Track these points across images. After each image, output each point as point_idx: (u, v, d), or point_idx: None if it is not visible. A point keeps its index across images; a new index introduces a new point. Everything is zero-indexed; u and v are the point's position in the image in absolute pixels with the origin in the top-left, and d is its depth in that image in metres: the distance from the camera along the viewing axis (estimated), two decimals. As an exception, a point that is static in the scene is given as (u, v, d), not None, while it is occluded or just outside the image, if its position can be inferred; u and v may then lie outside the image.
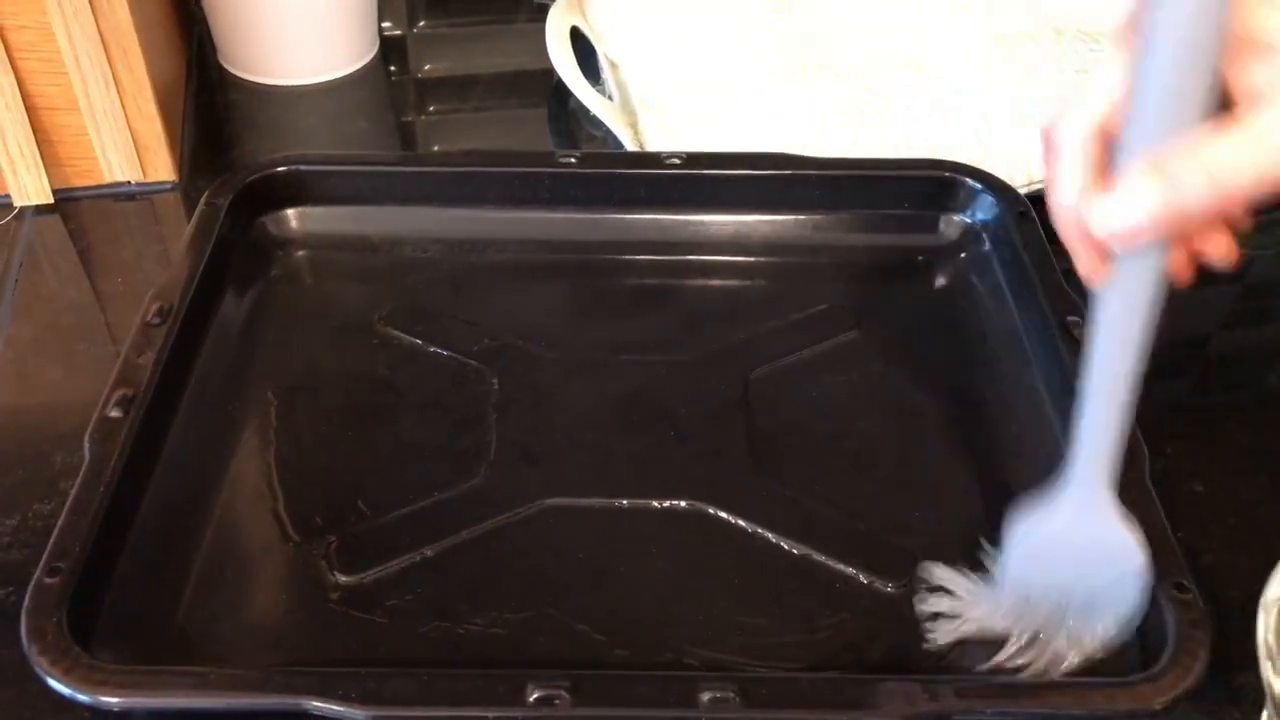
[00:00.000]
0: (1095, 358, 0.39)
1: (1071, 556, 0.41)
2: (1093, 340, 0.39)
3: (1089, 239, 0.37)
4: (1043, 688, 0.41)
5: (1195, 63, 0.34)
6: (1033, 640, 0.42)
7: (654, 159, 0.60)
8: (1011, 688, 0.40)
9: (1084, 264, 0.39)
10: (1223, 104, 0.35)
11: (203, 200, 0.56)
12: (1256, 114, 0.35)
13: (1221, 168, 0.34)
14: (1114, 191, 0.35)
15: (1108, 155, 0.37)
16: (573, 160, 0.60)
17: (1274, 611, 0.36)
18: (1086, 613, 0.42)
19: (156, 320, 0.50)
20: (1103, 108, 0.38)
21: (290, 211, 0.59)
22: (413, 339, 0.54)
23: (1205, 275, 0.39)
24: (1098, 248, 0.38)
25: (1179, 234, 0.36)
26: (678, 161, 0.59)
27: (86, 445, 0.45)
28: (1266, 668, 0.36)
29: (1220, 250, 0.39)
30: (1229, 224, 0.39)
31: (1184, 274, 0.39)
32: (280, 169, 0.59)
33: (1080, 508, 0.41)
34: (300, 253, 0.59)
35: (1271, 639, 0.36)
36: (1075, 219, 0.38)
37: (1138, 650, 0.42)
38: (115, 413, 0.46)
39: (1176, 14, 0.34)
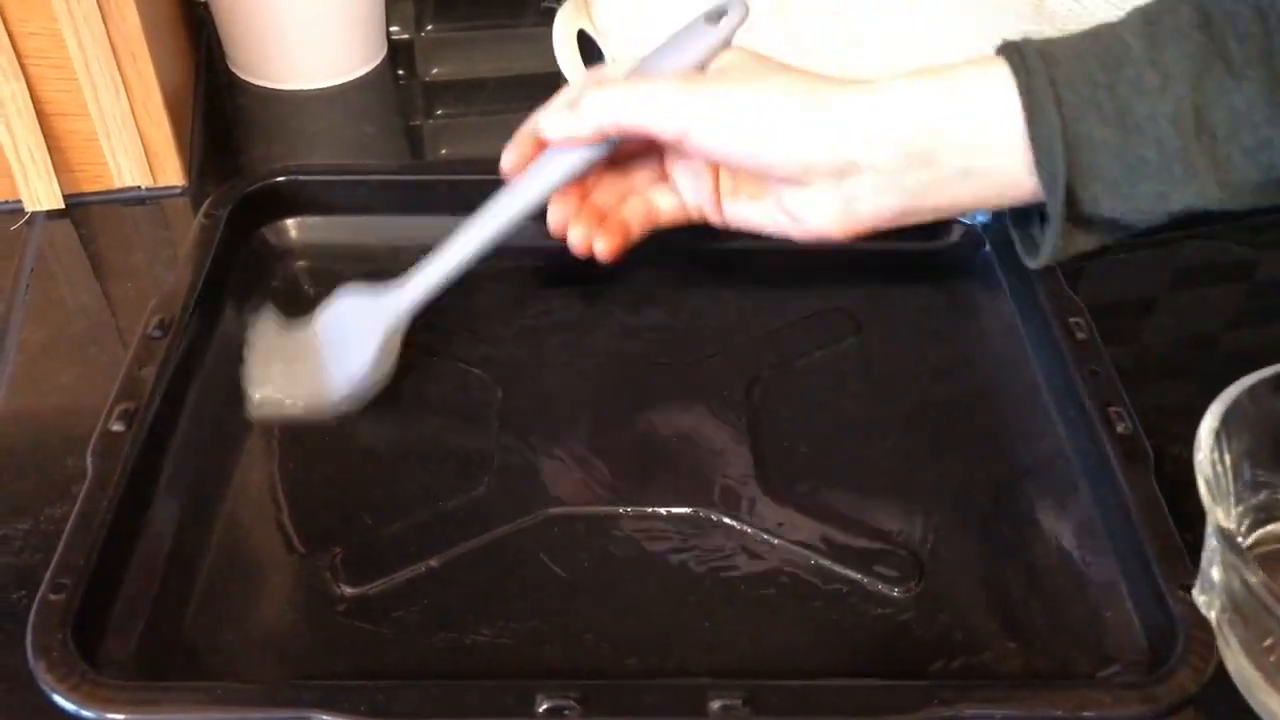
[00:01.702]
0: (481, 219, 0.50)
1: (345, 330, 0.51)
2: (488, 208, 0.50)
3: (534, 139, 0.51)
4: (1051, 690, 0.40)
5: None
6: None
7: (653, 165, 0.60)
8: (1019, 691, 0.40)
9: (512, 156, 0.52)
10: None
11: (201, 212, 0.56)
12: (651, 78, 0.48)
13: (622, 103, 0.47)
14: (564, 109, 0.49)
15: None
16: (572, 167, 0.59)
17: (1207, 445, 0.41)
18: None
19: (157, 333, 0.50)
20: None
21: (290, 222, 0.59)
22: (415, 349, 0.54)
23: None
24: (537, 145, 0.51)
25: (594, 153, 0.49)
26: (677, 167, 0.59)
27: (89, 460, 0.45)
28: (1206, 497, 0.40)
29: (604, 245, 0.51)
30: (626, 232, 0.52)
31: (580, 249, 0.52)
32: (279, 179, 0.59)
33: (383, 307, 0.50)
34: (300, 263, 0.59)
35: (1207, 468, 0.40)
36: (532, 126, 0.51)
37: (1147, 652, 0.42)
38: (118, 427, 0.46)
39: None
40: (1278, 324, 0.58)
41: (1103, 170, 0.43)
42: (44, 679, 0.38)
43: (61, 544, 0.42)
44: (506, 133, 0.52)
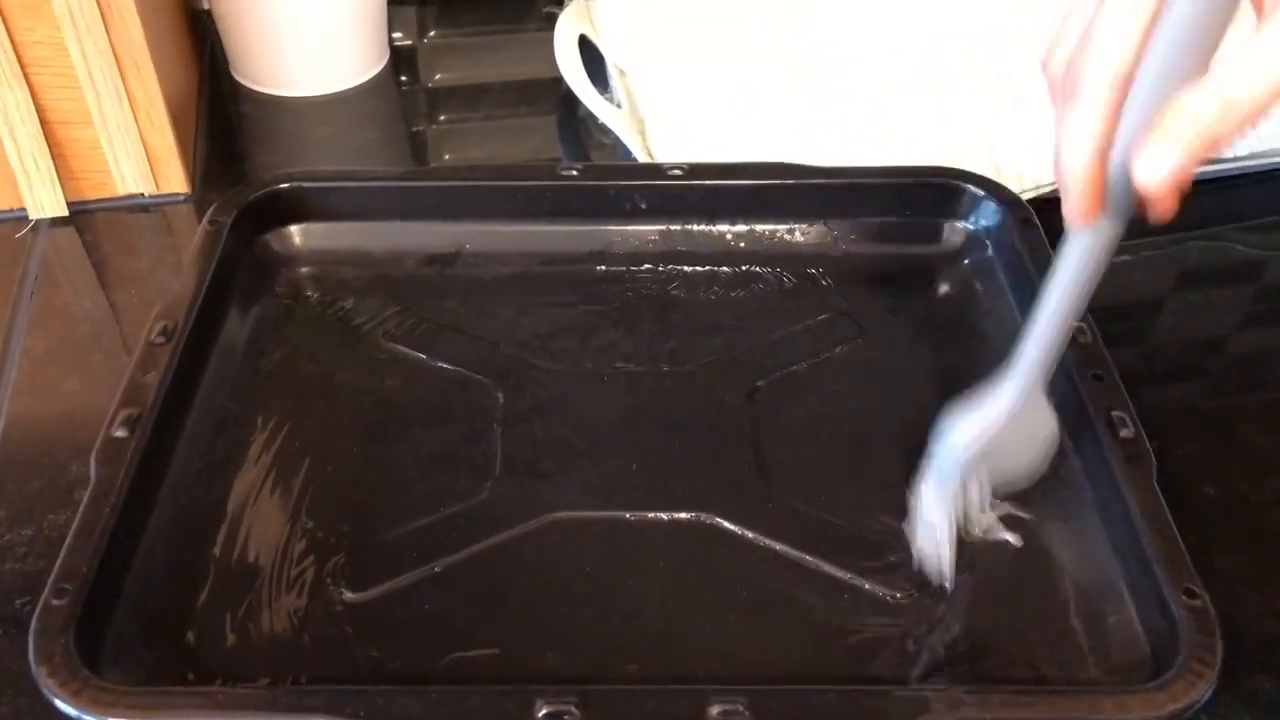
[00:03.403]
0: (1059, 286, 0.42)
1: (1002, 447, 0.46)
2: (1059, 272, 0.41)
3: (1097, 183, 0.38)
4: (1054, 695, 0.40)
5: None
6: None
7: (656, 170, 0.61)
8: (1021, 696, 0.40)
9: (1077, 205, 0.38)
10: None
11: (205, 219, 0.57)
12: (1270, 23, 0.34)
13: (1236, 90, 0.34)
14: (1154, 138, 0.35)
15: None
16: (574, 172, 0.60)
17: None
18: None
19: (161, 339, 0.50)
20: (1126, 53, 0.36)
21: (293, 228, 0.59)
22: (417, 354, 0.54)
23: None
24: (1099, 194, 0.38)
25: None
26: (679, 172, 0.59)
27: (93, 466, 0.45)
28: None
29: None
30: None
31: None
32: (282, 186, 0.59)
33: (1018, 404, 0.45)
34: (303, 269, 0.59)
35: None
36: (1088, 163, 0.37)
37: (1150, 657, 0.42)
38: (121, 433, 0.46)
39: None
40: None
41: None
42: (46, 684, 0.38)
43: (64, 549, 0.42)
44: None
